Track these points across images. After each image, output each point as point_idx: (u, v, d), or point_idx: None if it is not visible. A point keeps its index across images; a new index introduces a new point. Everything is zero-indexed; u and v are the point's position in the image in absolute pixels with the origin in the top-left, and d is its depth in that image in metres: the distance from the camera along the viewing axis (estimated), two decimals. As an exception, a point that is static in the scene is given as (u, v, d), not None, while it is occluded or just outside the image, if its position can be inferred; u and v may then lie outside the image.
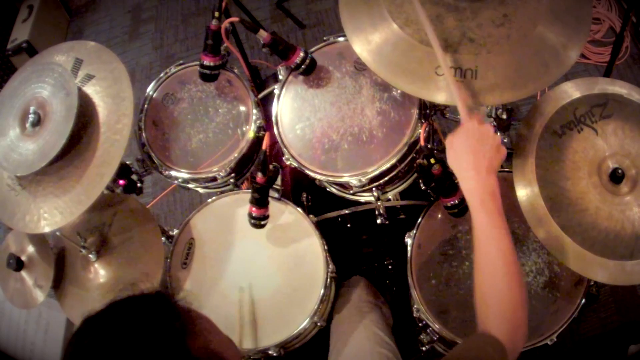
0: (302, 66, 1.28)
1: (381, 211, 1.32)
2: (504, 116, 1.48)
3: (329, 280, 1.29)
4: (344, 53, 1.34)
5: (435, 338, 1.27)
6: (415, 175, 1.36)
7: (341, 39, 1.35)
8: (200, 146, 1.41)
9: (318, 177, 1.27)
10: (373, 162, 1.23)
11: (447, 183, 1.11)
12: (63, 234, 1.31)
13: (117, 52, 1.27)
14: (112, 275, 1.30)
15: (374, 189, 1.32)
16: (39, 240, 1.30)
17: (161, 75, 1.49)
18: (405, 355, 1.29)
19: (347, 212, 1.51)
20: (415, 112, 1.23)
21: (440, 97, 1.01)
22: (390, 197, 1.41)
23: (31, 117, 1.18)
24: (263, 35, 1.24)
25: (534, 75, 0.98)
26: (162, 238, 1.36)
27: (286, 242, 1.36)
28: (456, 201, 1.12)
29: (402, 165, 1.27)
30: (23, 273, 1.29)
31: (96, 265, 1.31)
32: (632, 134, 1.07)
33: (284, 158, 1.30)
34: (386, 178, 1.28)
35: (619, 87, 1.11)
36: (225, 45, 1.31)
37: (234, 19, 1.29)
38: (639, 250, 1.01)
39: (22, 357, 1.62)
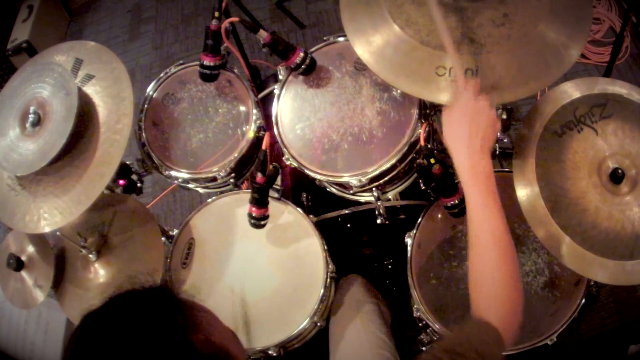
0: (302, 66, 1.28)
1: (381, 211, 1.32)
2: (504, 116, 1.47)
3: (328, 280, 1.29)
4: (344, 53, 1.34)
5: (435, 338, 1.27)
6: (415, 175, 1.36)
7: (341, 39, 1.35)
8: (200, 146, 1.41)
9: (318, 177, 1.27)
10: (373, 162, 1.23)
11: (447, 183, 1.11)
12: (63, 234, 1.31)
13: (117, 52, 1.27)
14: (112, 275, 1.30)
15: (374, 189, 1.32)
16: (39, 240, 1.30)
17: (161, 75, 1.49)
18: (405, 356, 1.28)
19: (347, 212, 1.51)
20: (415, 112, 1.23)
21: (441, 98, 1.01)
22: (390, 197, 1.41)
23: (31, 117, 1.18)
24: (263, 35, 1.24)
25: (535, 75, 0.98)
26: (162, 238, 1.36)
27: (286, 242, 1.36)
28: (456, 201, 1.12)
29: (402, 165, 1.27)
30: (23, 273, 1.29)
31: (96, 265, 1.31)
32: (632, 134, 1.07)
33: (284, 158, 1.30)
34: (386, 178, 1.28)
35: (619, 87, 1.10)
36: (225, 45, 1.31)
37: (234, 19, 1.29)
38: (639, 250, 1.01)
39: (22, 357, 1.62)
